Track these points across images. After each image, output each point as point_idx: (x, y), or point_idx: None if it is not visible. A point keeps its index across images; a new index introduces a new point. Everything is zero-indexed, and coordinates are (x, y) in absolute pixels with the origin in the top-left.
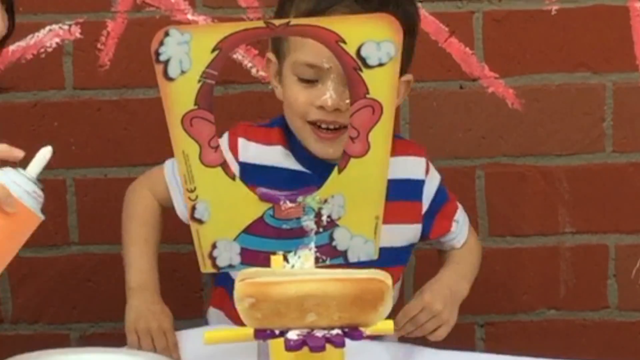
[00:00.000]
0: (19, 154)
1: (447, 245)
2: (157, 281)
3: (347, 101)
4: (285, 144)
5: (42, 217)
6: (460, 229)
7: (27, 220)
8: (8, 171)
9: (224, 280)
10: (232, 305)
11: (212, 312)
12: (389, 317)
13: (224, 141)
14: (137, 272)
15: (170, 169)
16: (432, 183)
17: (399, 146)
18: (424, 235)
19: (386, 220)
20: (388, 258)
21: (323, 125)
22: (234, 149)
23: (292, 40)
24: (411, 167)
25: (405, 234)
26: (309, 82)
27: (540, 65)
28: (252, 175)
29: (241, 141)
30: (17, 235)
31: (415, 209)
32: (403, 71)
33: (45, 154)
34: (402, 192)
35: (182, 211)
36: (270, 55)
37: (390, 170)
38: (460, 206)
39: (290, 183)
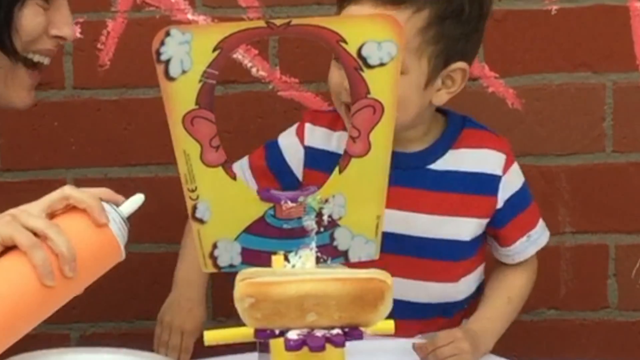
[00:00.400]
0: (120, 199)
1: (502, 255)
2: (204, 284)
3: None
4: None
5: (124, 255)
6: (526, 247)
7: (112, 250)
8: (105, 203)
9: None
10: None
11: None
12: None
13: (292, 128)
14: (187, 268)
15: (239, 166)
16: (511, 182)
17: (478, 138)
18: (494, 235)
19: (454, 212)
20: (454, 251)
21: None
22: (300, 134)
23: None
24: (487, 160)
25: (472, 228)
26: None
27: (540, 65)
28: (317, 159)
29: (308, 126)
30: (99, 260)
31: (487, 204)
32: (459, 56)
33: (138, 200)
34: (474, 185)
35: None
36: None
37: (463, 161)
38: (541, 221)
39: None
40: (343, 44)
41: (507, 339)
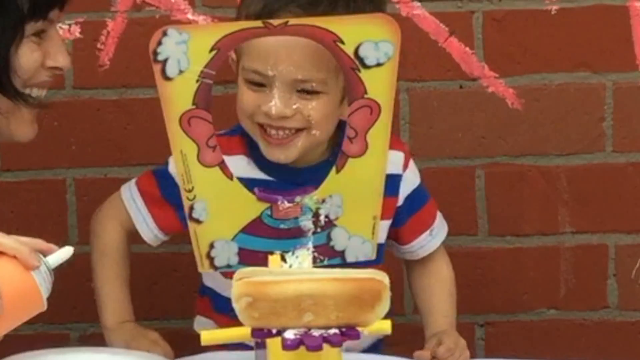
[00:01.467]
0: (52, 249)
1: (407, 253)
2: (133, 316)
3: (296, 106)
4: (247, 152)
5: (45, 306)
6: (429, 242)
7: (34, 300)
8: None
9: (208, 290)
10: (217, 314)
11: (201, 321)
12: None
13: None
14: (112, 311)
15: (128, 194)
16: (410, 179)
17: None
18: (394, 236)
19: None
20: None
21: (272, 131)
22: None
23: (244, 44)
24: (389, 161)
25: (384, 231)
26: (258, 85)
27: (540, 65)
28: None
29: None
30: (20, 308)
31: (392, 204)
32: None
33: (67, 252)
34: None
35: (148, 236)
36: (232, 54)
37: None
38: (439, 215)
39: None
40: (340, 44)
41: (507, 339)
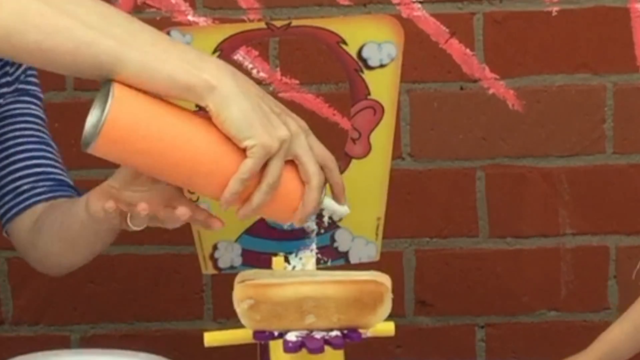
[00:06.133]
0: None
1: None
2: None
3: None
4: None
5: (293, 219)
6: None
7: (289, 209)
8: None
9: None
10: None
11: None
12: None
13: None
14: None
15: None
16: None
17: None
18: None
19: None
20: None
21: None
22: None
23: None
24: None
25: None
26: None
27: (540, 67)
28: None
29: None
30: (278, 204)
31: None
32: None
33: (343, 211)
34: None
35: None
36: None
37: None
38: None
39: None
40: (343, 45)
41: (508, 340)
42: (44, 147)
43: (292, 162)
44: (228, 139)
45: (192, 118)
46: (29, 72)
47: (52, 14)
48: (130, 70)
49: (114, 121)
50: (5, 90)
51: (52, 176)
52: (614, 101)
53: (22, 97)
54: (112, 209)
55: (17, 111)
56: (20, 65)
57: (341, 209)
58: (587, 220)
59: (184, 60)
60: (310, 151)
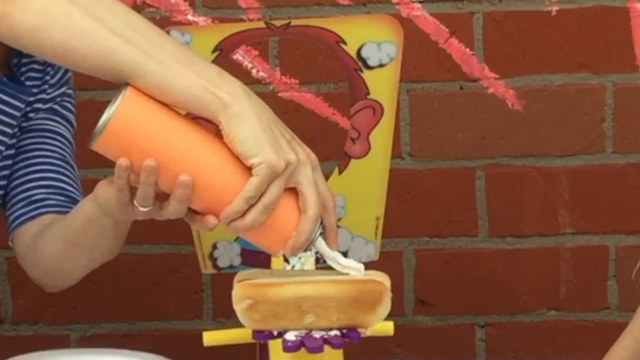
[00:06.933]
0: None
1: None
2: None
3: None
4: None
5: (276, 253)
6: None
7: (280, 239)
8: None
9: None
10: None
11: None
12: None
13: None
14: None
15: None
16: None
17: None
18: None
19: None
20: None
21: None
22: None
23: None
24: None
25: None
26: None
27: (540, 66)
28: None
29: None
30: (269, 230)
31: None
32: None
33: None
34: None
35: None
36: None
37: None
38: None
39: None
40: (342, 45)
41: (507, 340)
42: (64, 164)
43: (293, 191)
44: (235, 157)
45: (200, 132)
46: (66, 98)
47: (80, 15)
48: (148, 82)
49: (120, 120)
50: (39, 106)
51: (66, 193)
52: (613, 101)
53: (54, 116)
54: (126, 162)
55: (46, 127)
56: (58, 88)
57: (330, 254)
58: (587, 220)
59: (203, 77)
60: (314, 182)
